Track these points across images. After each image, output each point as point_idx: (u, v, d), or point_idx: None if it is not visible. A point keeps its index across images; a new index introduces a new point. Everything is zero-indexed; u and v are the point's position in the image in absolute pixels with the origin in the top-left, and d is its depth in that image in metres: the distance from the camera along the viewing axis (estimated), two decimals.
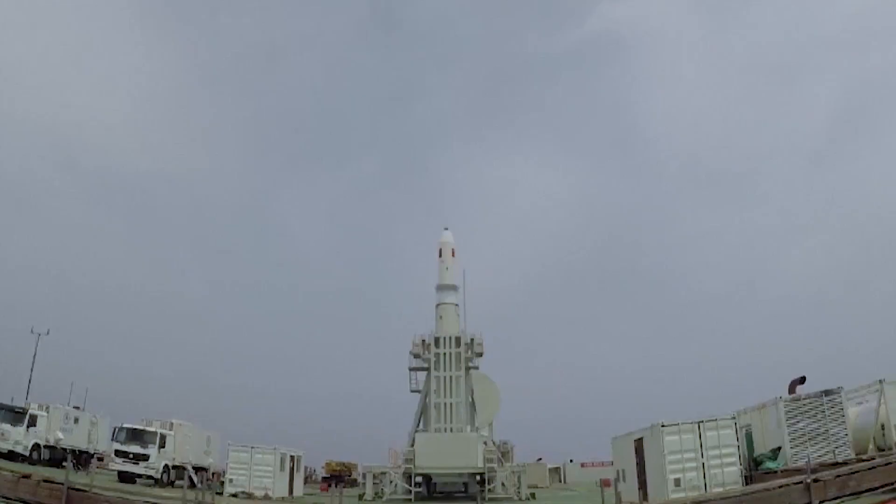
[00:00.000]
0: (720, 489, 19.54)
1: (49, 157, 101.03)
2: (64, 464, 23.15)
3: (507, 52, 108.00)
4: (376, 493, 34.95)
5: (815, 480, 14.53)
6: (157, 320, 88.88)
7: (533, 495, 34.65)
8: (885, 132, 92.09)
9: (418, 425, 40.01)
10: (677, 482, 20.06)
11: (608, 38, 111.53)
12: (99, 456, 34.81)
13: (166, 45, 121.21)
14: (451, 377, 37.99)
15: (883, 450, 20.77)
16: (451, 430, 36.35)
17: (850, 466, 16.25)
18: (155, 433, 31.53)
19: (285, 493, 31.42)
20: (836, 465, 18.23)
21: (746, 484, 20.19)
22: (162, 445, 31.35)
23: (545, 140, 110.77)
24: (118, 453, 31.11)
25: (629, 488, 21.96)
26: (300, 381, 77.98)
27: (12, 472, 17.19)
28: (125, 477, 30.21)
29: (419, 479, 35.05)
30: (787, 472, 19.39)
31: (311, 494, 35.81)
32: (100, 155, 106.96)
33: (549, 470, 53.18)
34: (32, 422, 31.15)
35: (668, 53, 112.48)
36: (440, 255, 43.69)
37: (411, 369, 41.59)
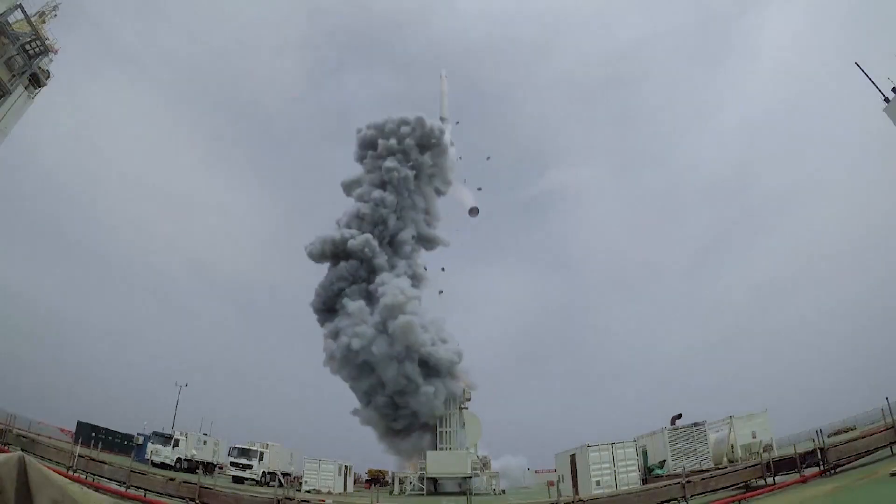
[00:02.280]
0: (626, 487, 23.99)
1: (186, 266, 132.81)
2: (197, 471, 35.04)
3: (485, 202, 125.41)
4: (401, 491, 43.44)
5: (688, 482, 18.78)
6: (258, 377, 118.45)
7: (504, 492, 43.21)
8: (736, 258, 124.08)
9: None
10: (598, 483, 25.18)
11: (554, 192, 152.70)
12: (219, 465, 45.14)
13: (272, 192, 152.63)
14: (450, 415, 48.64)
15: (732, 461, 26.39)
16: (450, 449, 45.99)
17: (710, 472, 21.46)
18: (256, 451, 41.00)
19: (342, 490, 39.76)
20: (701, 471, 23.49)
21: (643, 484, 25.34)
22: (261, 459, 40.81)
23: (511, 260, 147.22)
24: (232, 464, 41.02)
25: (566, 487, 27.10)
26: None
27: (164, 476, 22.55)
28: (237, 479, 39.28)
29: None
30: (670, 476, 24.69)
31: (358, 491, 44.89)
32: (220, 265, 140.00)
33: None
34: (176, 443, 41.14)
35: (595, 199, 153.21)
36: None
37: None
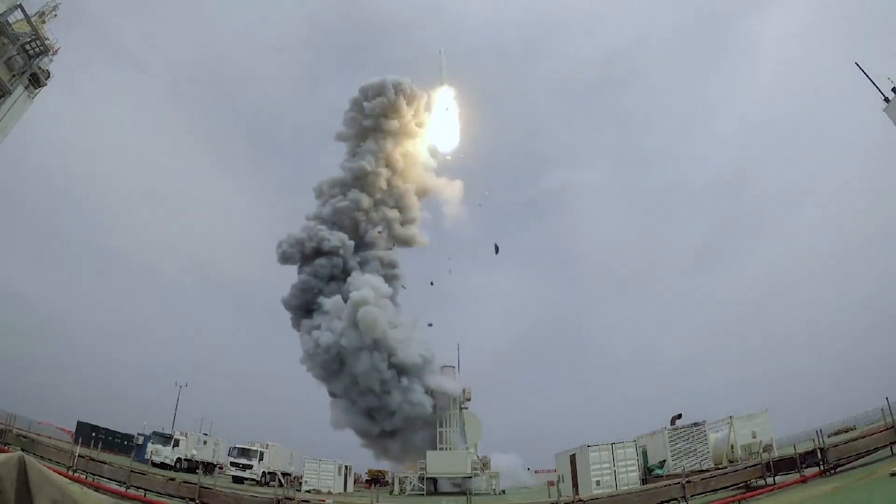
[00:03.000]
0: (626, 487, 24.27)
1: (186, 267, 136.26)
2: (197, 471, 35.15)
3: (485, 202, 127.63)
4: (401, 491, 43.80)
5: (688, 482, 19.04)
6: (258, 377, 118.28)
7: (504, 491, 43.31)
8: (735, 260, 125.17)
9: None
10: (598, 483, 25.47)
11: (554, 193, 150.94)
12: (219, 465, 45.56)
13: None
14: (449, 415, 48.94)
15: (732, 461, 26.64)
16: (450, 449, 46.30)
17: (710, 472, 21.70)
18: (256, 450, 41.47)
19: (342, 490, 40.18)
20: (701, 471, 23.69)
21: (643, 484, 25.64)
22: (261, 458, 41.26)
23: (511, 260, 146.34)
24: (232, 464, 41.50)
25: (566, 487, 27.44)
26: None
27: (164, 476, 22.82)
28: (237, 479, 39.65)
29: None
30: (670, 476, 24.86)
31: (358, 491, 45.31)
32: (220, 266, 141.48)
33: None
34: (176, 443, 41.58)
35: (594, 201, 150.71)
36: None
37: None
